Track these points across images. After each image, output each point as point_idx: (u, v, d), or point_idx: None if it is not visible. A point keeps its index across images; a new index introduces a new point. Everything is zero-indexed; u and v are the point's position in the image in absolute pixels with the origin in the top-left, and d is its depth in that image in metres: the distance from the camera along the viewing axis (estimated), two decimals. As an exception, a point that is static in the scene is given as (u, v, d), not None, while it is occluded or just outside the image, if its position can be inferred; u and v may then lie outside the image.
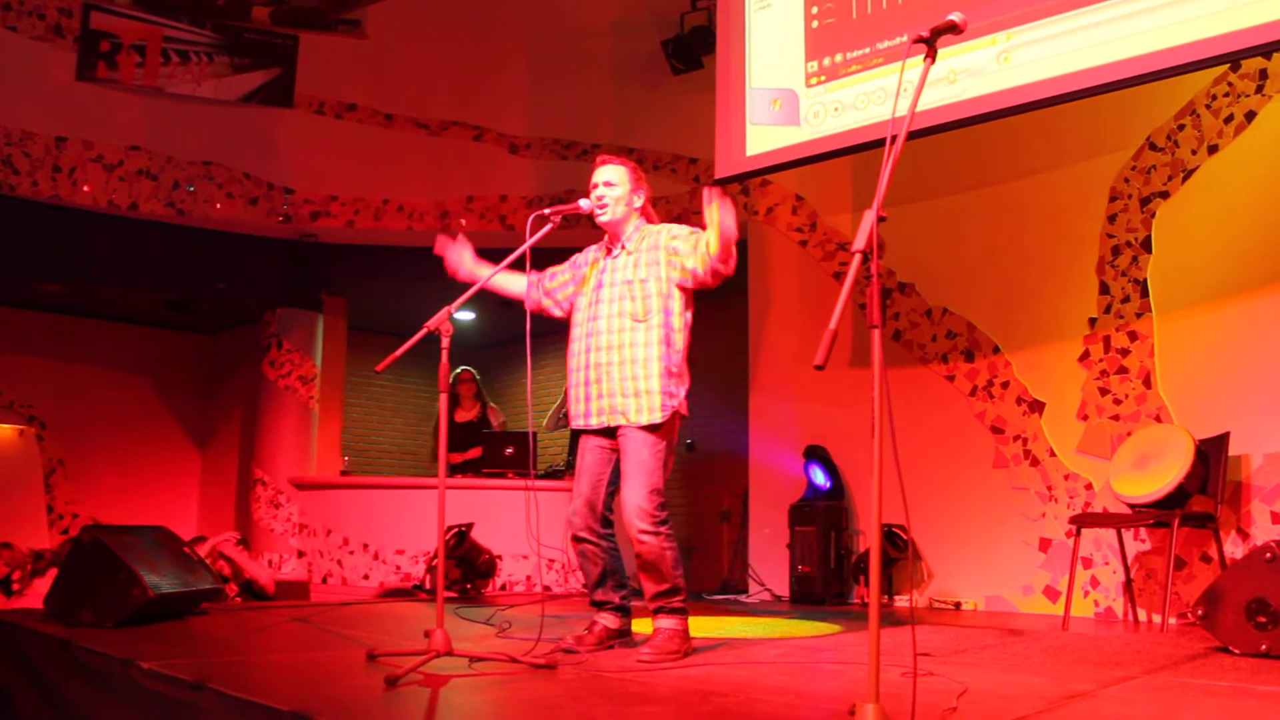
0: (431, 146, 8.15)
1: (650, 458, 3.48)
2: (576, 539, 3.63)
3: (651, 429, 3.50)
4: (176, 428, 9.80)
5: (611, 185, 3.66)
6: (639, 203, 3.71)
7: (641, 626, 3.72)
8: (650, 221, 3.75)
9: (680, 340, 3.60)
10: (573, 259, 3.88)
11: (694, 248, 3.52)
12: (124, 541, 4.05)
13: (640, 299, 3.56)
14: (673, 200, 7.58)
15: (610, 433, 3.59)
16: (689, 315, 3.64)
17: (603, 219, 3.67)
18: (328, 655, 3.49)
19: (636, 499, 3.44)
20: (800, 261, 7.04)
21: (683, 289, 3.59)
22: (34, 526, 8.50)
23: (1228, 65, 5.00)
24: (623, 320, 3.57)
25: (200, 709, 2.55)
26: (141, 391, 9.62)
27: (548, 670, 3.02)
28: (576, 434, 3.74)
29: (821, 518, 6.31)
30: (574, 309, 3.75)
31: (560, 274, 3.86)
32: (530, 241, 3.59)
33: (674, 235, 3.62)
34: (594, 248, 3.83)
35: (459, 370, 7.77)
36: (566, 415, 3.83)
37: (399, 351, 3.30)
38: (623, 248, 3.67)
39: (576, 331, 3.70)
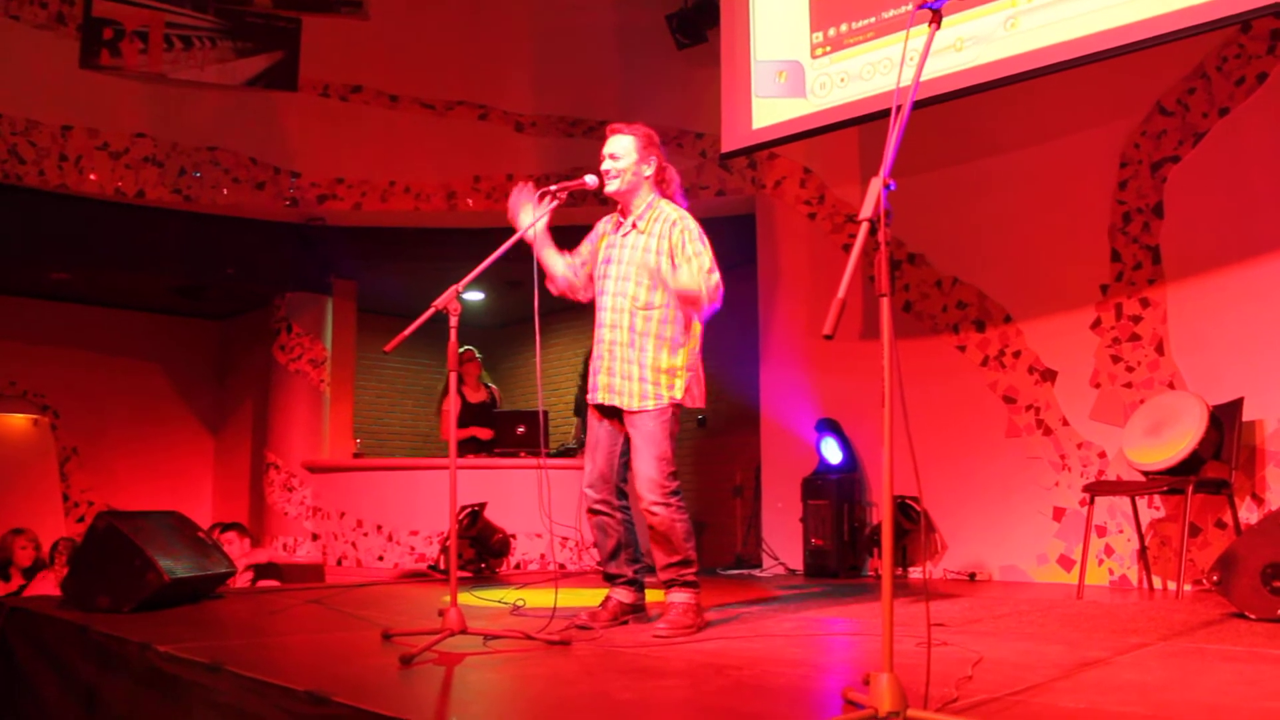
0: (437, 126, 8.12)
1: (656, 429, 3.49)
2: (592, 510, 3.65)
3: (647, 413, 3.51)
4: (189, 413, 9.84)
5: (616, 157, 3.60)
6: (648, 172, 3.63)
7: (654, 596, 3.73)
8: (665, 189, 3.66)
9: (687, 332, 3.55)
10: (588, 236, 3.80)
11: (676, 266, 3.47)
12: (138, 527, 4.07)
13: (645, 287, 3.53)
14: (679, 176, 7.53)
15: (615, 414, 3.60)
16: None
17: (608, 190, 3.62)
18: (343, 636, 3.51)
19: (647, 470, 3.47)
20: (809, 234, 7.00)
21: None
22: (50, 515, 8.57)
23: (1238, 26, 4.94)
24: (622, 300, 3.55)
25: (217, 690, 2.56)
26: (153, 378, 9.65)
27: (562, 646, 3.03)
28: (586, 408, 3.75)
29: (834, 491, 6.31)
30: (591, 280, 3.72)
31: (580, 253, 3.77)
32: (536, 218, 3.57)
33: (683, 235, 3.52)
34: (606, 219, 3.77)
35: (463, 349, 7.75)
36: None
37: (407, 331, 3.28)
38: (634, 225, 3.62)
39: (598, 303, 3.66)
